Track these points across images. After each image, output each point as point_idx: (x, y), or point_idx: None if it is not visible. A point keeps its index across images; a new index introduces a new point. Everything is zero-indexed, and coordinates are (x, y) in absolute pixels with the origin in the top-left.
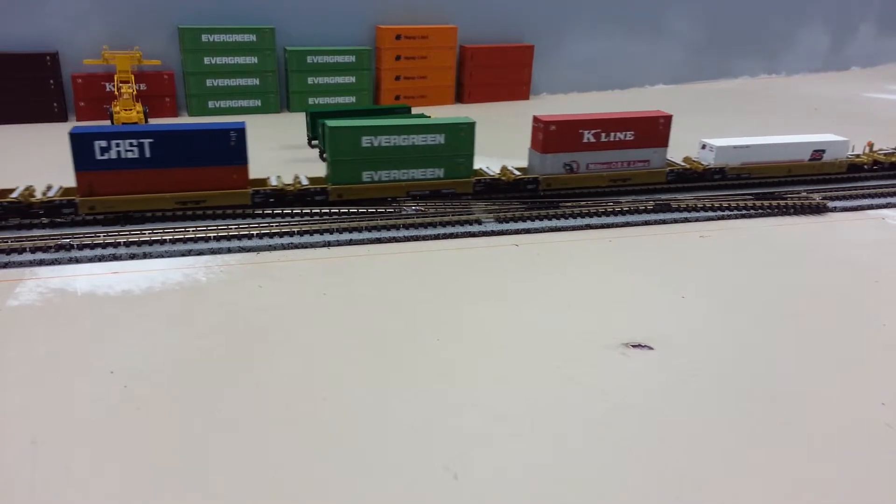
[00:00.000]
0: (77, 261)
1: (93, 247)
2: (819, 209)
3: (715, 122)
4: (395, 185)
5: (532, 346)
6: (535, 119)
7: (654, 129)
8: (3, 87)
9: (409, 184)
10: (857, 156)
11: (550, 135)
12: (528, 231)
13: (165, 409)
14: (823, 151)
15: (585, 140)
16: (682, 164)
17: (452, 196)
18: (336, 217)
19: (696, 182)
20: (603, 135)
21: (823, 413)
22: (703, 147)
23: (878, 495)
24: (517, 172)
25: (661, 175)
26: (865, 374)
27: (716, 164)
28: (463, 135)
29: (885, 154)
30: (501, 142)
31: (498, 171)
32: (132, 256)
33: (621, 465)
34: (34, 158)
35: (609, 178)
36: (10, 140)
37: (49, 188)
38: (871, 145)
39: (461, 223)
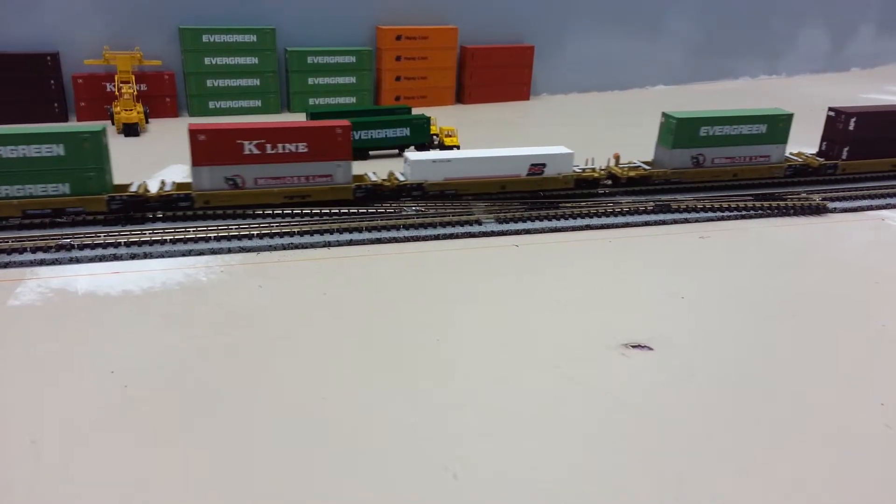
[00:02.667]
0: (78, 261)
1: (93, 247)
2: (819, 210)
3: None
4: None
5: (532, 347)
6: (189, 129)
7: (332, 141)
8: (4, 88)
9: (23, 202)
10: (593, 169)
11: (201, 146)
12: (528, 232)
13: (165, 409)
14: (544, 165)
15: (247, 152)
16: (376, 179)
17: (84, 214)
18: (336, 217)
19: (389, 200)
20: (269, 146)
21: (823, 413)
22: (406, 161)
23: (878, 495)
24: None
25: (347, 191)
26: (865, 375)
27: (412, 179)
28: (88, 146)
29: (622, 168)
30: (500, 142)
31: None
32: (133, 256)
33: (621, 464)
34: None
35: (282, 194)
36: None
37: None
38: (617, 157)
39: (462, 223)
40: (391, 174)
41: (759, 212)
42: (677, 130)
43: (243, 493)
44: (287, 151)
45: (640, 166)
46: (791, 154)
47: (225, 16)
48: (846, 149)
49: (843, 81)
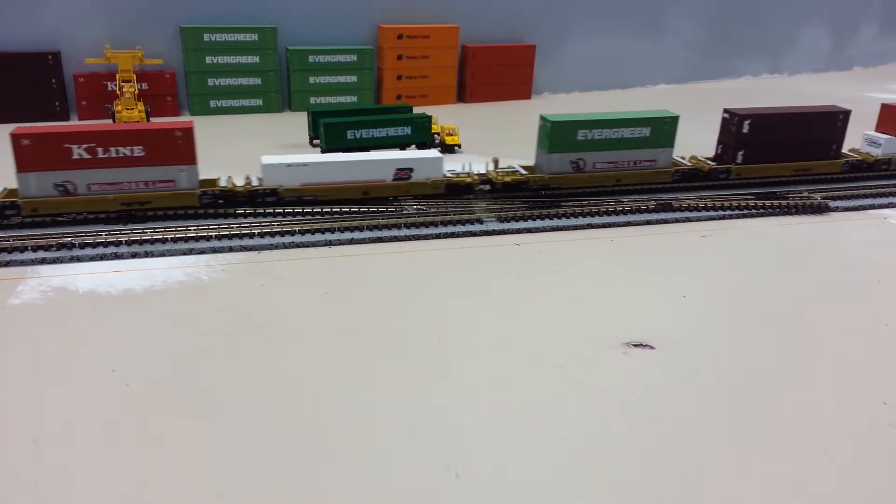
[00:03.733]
0: (79, 259)
1: (94, 245)
2: (821, 209)
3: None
4: None
5: (534, 346)
6: (11, 134)
7: (171, 144)
8: (5, 87)
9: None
10: (467, 174)
11: (26, 151)
12: (529, 230)
13: (167, 408)
14: (411, 170)
15: (77, 156)
16: (226, 185)
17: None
18: (337, 216)
19: (244, 206)
20: (100, 150)
21: (825, 412)
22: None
23: (880, 495)
24: None
25: (191, 198)
26: (867, 374)
27: (267, 185)
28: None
29: (498, 173)
30: (500, 141)
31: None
32: (134, 255)
33: (623, 463)
34: None
35: (119, 200)
36: None
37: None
38: (496, 161)
39: (462, 222)
40: (247, 178)
41: (761, 211)
42: (553, 134)
43: (244, 493)
44: (121, 156)
45: (517, 171)
46: (681, 158)
47: (226, 15)
48: (741, 152)
49: (846, 80)
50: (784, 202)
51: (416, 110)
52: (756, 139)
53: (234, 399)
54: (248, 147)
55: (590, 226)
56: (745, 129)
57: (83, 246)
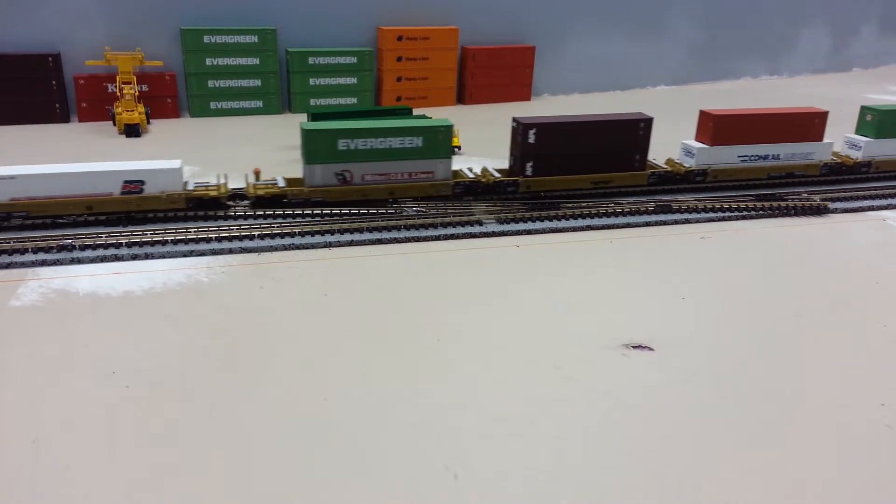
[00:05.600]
0: (79, 261)
1: (94, 247)
2: (820, 210)
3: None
4: None
5: (532, 347)
6: None
7: None
8: (5, 88)
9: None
10: (217, 187)
11: None
12: (528, 232)
13: (167, 409)
14: (142, 183)
15: None
16: None
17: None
18: (337, 218)
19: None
20: None
21: (823, 413)
22: None
23: (878, 495)
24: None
25: None
26: (866, 375)
27: None
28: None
29: (254, 185)
30: (500, 143)
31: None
32: (134, 257)
33: (621, 464)
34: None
35: None
36: (44, 139)
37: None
38: (257, 173)
39: (462, 224)
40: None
41: (760, 212)
42: (309, 143)
43: (244, 494)
44: None
45: (275, 183)
46: (468, 169)
47: (226, 16)
48: (529, 164)
49: (845, 82)
50: (783, 204)
51: (416, 112)
52: (544, 150)
53: (233, 400)
54: (246, 150)
55: (589, 227)
56: (531, 138)
57: (83, 248)
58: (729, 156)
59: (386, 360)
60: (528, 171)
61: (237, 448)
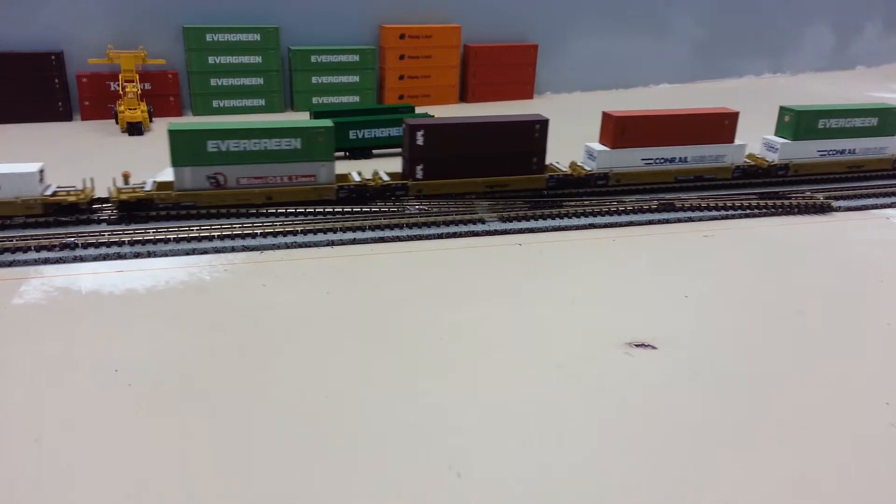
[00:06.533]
0: (82, 259)
1: (97, 245)
2: (823, 209)
3: None
4: None
5: (535, 346)
6: None
7: None
8: (8, 86)
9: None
10: (80, 191)
11: None
12: (531, 230)
13: (169, 408)
14: None
15: None
16: None
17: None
18: (339, 216)
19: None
20: None
21: (827, 412)
22: None
23: (882, 495)
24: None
25: None
26: (870, 374)
27: None
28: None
29: (120, 189)
30: None
31: None
32: (137, 255)
33: (624, 463)
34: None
35: None
36: (46, 137)
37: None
38: (126, 176)
39: (465, 222)
40: None
41: (763, 210)
42: (175, 144)
43: (245, 493)
44: None
45: (142, 188)
46: (357, 173)
47: (229, 15)
48: (419, 167)
49: (849, 80)
50: (787, 202)
51: (419, 110)
52: (434, 152)
53: (235, 399)
54: None
55: (592, 226)
56: (419, 140)
57: (86, 246)
58: (632, 159)
59: (388, 358)
60: (419, 174)
61: (238, 447)
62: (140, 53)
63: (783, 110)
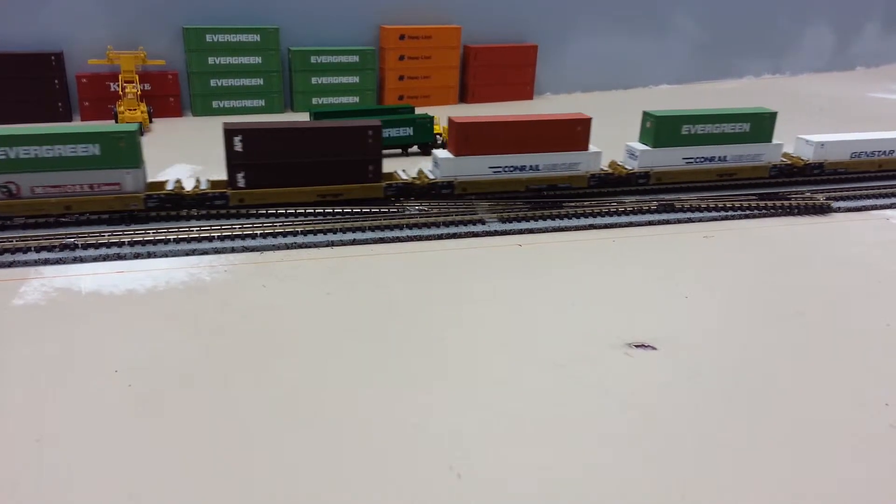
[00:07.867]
0: (82, 260)
1: (97, 246)
2: (823, 209)
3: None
4: None
5: (535, 346)
6: None
7: None
8: (8, 87)
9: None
10: None
11: None
12: (531, 231)
13: (169, 408)
14: None
15: None
16: None
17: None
18: (339, 217)
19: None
20: None
21: (827, 413)
22: None
23: (883, 496)
24: None
25: None
26: (870, 375)
27: None
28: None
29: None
30: None
31: None
32: (136, 256)
33: (625, 463)
34: None
35: None
36: None
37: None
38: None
39: (464, 223)
40: None
41: (763, 211)
42: None
43: (245, 493)
44: None
45: None
46: (175, 181)
47: (228, 16)
48: (240, 175)
49: (848, 80)
50: (786, 203)
51: (419, 111)
52: (256, 159)
53: (235, 399)
54: None
55: (592, 226)
56: (237, 146)
57: (86, 247)
58: (478, 167)
59: (388, 358)
60: (240, 182)
61: (239, 447)
62: (140, 54)
63: (645, 116)
